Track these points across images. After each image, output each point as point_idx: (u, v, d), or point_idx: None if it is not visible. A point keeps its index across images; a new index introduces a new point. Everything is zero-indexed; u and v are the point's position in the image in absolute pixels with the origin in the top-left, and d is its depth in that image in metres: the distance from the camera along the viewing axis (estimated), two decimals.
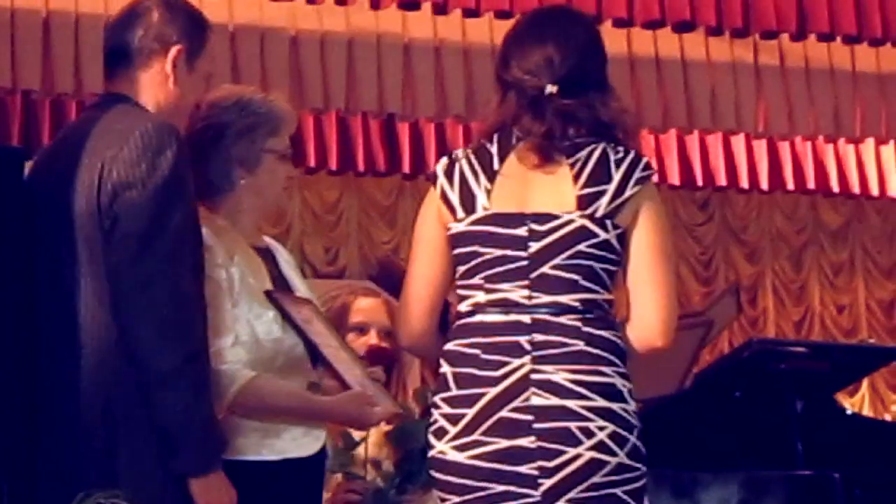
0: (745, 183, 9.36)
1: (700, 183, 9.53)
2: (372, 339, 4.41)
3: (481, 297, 3.23)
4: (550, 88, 3.25)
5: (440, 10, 7.37)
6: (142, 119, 3.37)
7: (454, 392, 3.20)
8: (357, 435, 4.05)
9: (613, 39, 7.38)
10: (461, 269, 3.28)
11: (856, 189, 9.95)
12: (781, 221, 10.80)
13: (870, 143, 9.48)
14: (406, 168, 9.01)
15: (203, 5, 4.20)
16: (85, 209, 3.28)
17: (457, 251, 3.29)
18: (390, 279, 4.39)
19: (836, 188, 9.86)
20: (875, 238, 11.26)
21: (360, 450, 4.11)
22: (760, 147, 9.24)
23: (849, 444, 6.08)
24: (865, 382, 10.70)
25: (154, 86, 3.48)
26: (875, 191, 9.93)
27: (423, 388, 4.28)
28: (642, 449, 3.17)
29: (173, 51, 3.46)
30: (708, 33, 8.05)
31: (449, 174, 3.34)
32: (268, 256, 3.73)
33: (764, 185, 9.45)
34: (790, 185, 9.55)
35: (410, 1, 7.31)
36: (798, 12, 7.62)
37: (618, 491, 3.12)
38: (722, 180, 9.39)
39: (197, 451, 3.28)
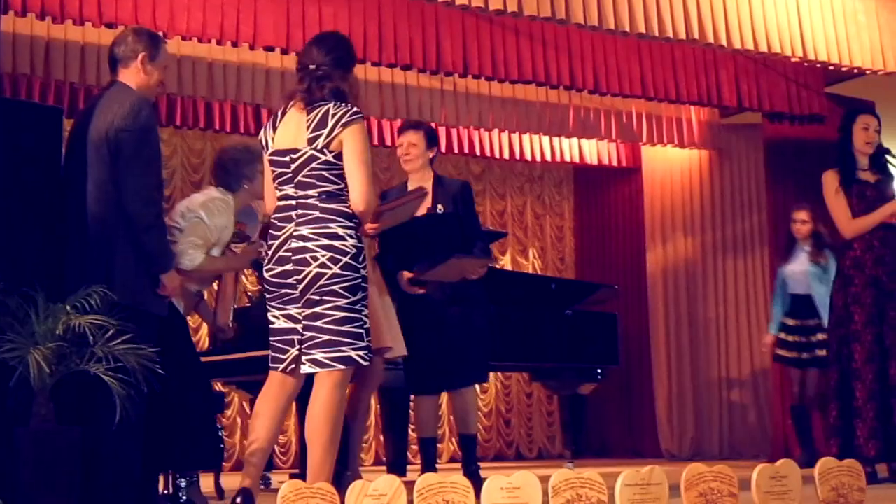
0: None
1: None
2: None
3: (279, 193, 4.61)
4: (311, 66, 4.62)
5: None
6: (130, 94, 4.71)
7: (268, 242, 4.62)
8: None
9: None
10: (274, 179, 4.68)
11: None
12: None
13: None
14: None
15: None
16: (101, 138, 4.60)
17: (270, 169, 4.69)
18: None
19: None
20: None
21: None
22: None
23: None
24: None
25: (133, 76, 4.80)
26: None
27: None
28: (355, 264, 4.47)
29: (140, 56, 4.80)
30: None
31: (265, 127, 4.75)
32: None
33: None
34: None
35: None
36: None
37: (336, 287, 4.44)
38: None
39: (165, 261, 4.67)
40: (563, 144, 10.77)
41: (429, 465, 6.09)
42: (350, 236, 4.47)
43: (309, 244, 4.44)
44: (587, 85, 8.71)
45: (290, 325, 4.55)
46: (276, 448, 8.94)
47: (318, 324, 4.45)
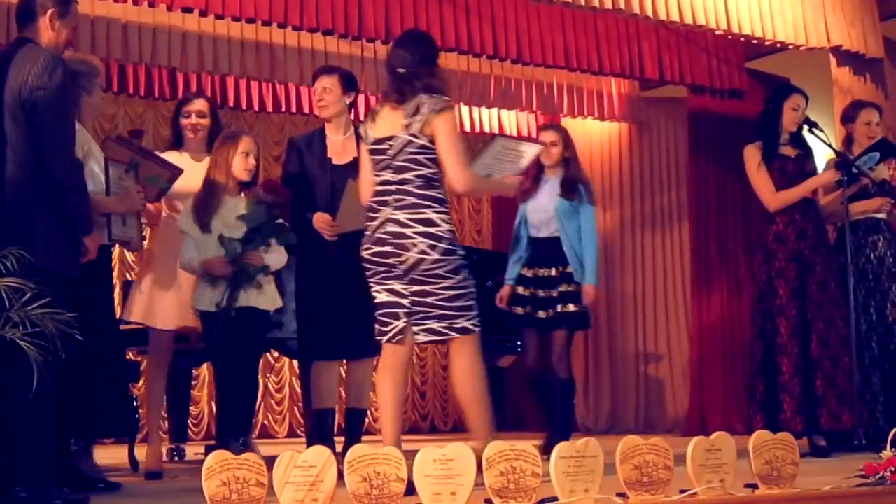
0: None
1: None
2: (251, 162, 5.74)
3: (378, 179, 4.82)
4: (400, 70, 4.82)
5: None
6: (42, 51, 4.51)
7: (366, 223, 4.85)
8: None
9: None
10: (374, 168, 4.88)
11: None
12: None
13: None
14: None
15: None
16: (15, 99, 4.41)
17: (370, 158, 4.90)
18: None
19: None
20: None
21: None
22: None
23: None
24: None
25: (42, 33, 4.62)
26: None
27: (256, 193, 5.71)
28: (451, 248, 4.72)
29: (49, 13, 4.61)
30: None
31: (365, 121, 4.97)
32: None
33: None
34: None
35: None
36: None
37: (439, 271, 4.70)
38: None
39: (89, 223, 4.55)
40: (482, 115, 10.70)
41: (326, 439, 5.84)
42: (444, 221, 4.76)
43: (406, 230, 4.72)
44: (510, 54, 8.64)
45: (395, 298, 4.83)
46: (190, 421, 8.78)
47: (428, 300, 4.77)
